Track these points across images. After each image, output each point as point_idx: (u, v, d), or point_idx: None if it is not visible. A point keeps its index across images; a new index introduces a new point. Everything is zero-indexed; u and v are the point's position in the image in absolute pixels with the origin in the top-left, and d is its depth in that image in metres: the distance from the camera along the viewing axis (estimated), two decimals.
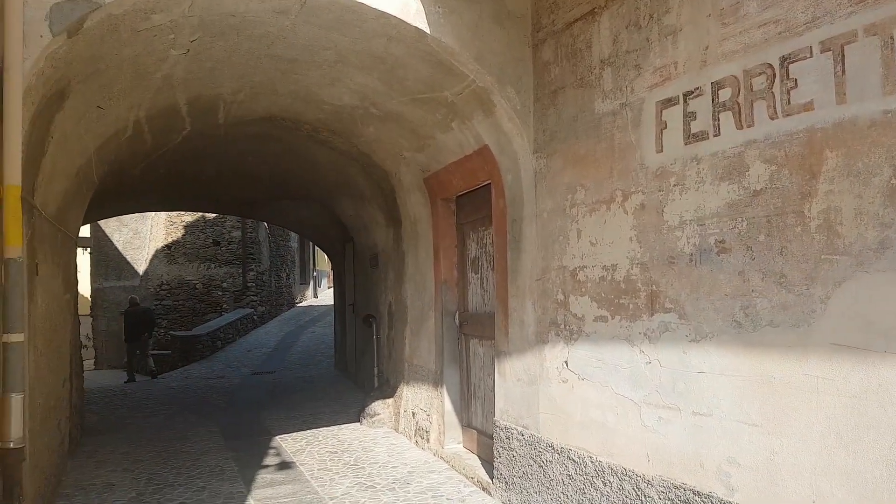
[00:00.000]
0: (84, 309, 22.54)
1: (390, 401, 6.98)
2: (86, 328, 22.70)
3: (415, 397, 6.38)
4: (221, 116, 5.85)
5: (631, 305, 3.40)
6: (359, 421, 7.19)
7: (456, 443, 5.79)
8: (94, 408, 8.58)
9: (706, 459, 2.92)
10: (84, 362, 23.79)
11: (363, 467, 5.51)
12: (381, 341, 7.79)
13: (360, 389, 9.23)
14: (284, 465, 5.63)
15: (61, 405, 5.05)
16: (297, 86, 5.10)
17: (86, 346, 23.70)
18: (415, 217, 6.45)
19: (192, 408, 8.73)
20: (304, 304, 25.43)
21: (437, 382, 5.90)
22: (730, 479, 2.80)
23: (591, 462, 3.63)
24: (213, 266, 19.74)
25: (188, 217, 19.73)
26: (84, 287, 23.49)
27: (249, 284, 20.01)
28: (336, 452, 6.00)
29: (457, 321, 5.82)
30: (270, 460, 5.81)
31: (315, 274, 28.14)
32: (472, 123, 4.65)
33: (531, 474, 4.17)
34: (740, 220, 2.79)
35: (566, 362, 3.88)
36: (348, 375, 10.78)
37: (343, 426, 7.08)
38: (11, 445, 2.66)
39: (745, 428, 2.75)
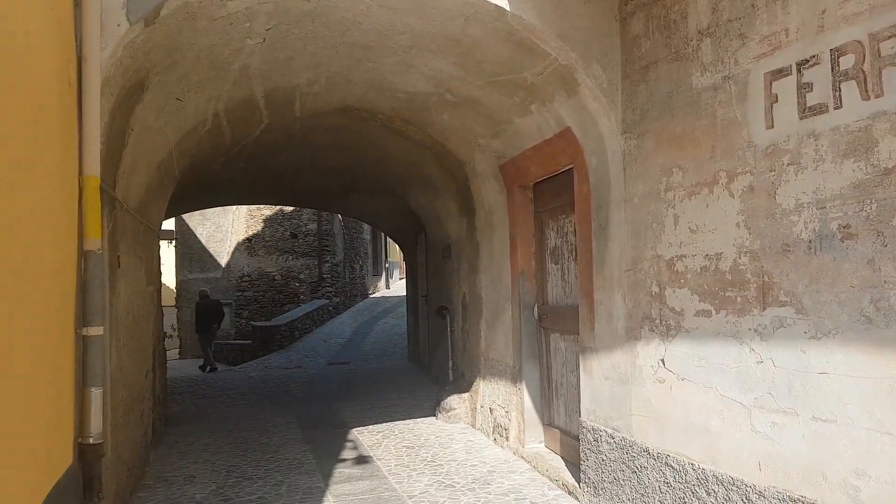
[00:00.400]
0: (169, 300, 23.58)
1: (466, 395, 6.81)
2: (171, 319, 23.76)
3: (492, 393, 6.19)
4: (297, 109, 5.81)
5: (739, 299, 3.07)
6: (434, 415, 7.07)
7: (537, 442, 5.56)
8: (177, 398, 8.86)
9: (830, 470, 2.59)
10: (169, 352, 24.90)
11: (441, 465, 5.36)
12: (455, 334, 7.64)
13: (434, 382, 9.13)
14: (361, 460, 5.57)
15: (144, 396, 5.15)
16: (371, 74, 4.97)
17: (171, 336, 24.83)
18: (489, 206, 6.24)
19: (270, 398, 8.86)
20: (376, 295, 25.74)
21: (515, 378, 5.69)
22: (858, 494, 2.46)
23: (693, 469, 3.33)
24: (290, 258, 20.22)
25: (267, 210, 20.26)
26: (169, 279, 24.59)
27: (325, 276, 20.38)
28: (413, 448, 5.89)
29: (535, 314, 5.57)
30: (347, 454, 5.76)
31: (387, 265, 28.43)
32: (552, 105, 4.38)
33: (623, 480, 3.90)
34: (868, 201, 2.44)
35: (662, 360, 3.58)
36: (421, 367, 10.71)
37: (418, 420, 6.98)
38: (91, 441, 2.64)
39: (877, 437, 2.41)
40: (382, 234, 27.47)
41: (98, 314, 2.76)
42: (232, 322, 20.48)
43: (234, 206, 20.51)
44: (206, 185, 9.03)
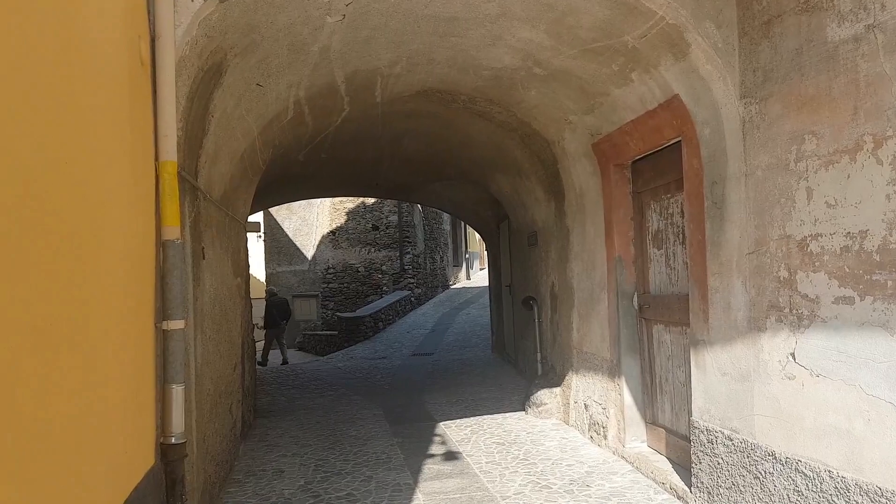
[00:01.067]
0: (259, 292, 24.43)
1: (557, 390, 6.46)
2: (260, 310, 24.64)
3: (586, 388, 5.81)
4: (378, 93, 5.62)
5: (890, 283, 2.60)
6: (523, 410, 6.76)
7: (639, 441, 5.15)
8: (266, 388, 8.98)
9: None
10: (258, 343, 25.56)
11: (535, 463, 5.06)
12: (543, 326, 7.28)
13: (521, 375, 8.82)
14: (451, 456, 5.35)
15: (232, 389, 5.13)
16: (453, 51, 4.69)
17: (261, 327, 25.76)
18: (580, 188, 5.84)
19: (357, 389, 8.83)
20: (457, 285, 25.61)
21: (613, 373, 5.29)
22: None
23: (831, 477, 2.88)
24: (372, 250, 20.39)
25: (349, 203, 20.51)
26: (259, 272, 25.44)
27: (406, 267, 20.42)
28: (503, 444, 5.61)
29: (635, 304, 5.15)
30: (436, 449, 5.56)
31: (467, 256, 28.26)
32: (657, 72, 3.95)
33: (743, 486, 3.47)
34: None
35: (792, 354, 3.13)
36: (506, 359, 10.41)
37: (507, 414, 6.69)
38: (173, 440, 2.52)
39: None
40: (463, 224, 27.32)
41: (179, 307, 2.63)
42: (318, 313, 20.91)
43: (319, 200, 20.89)
44: (289, 178, 9.07)
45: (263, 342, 14.21)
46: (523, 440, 5.73)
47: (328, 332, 17.52)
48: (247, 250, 6.52)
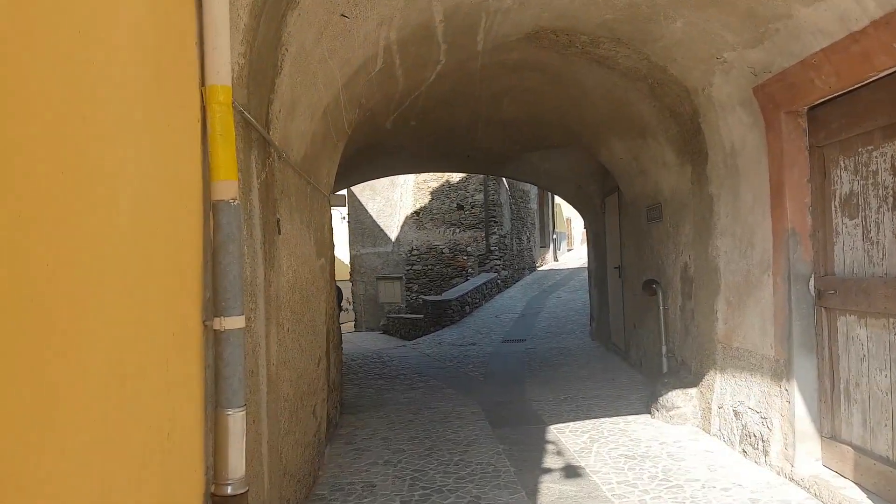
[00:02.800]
0: (344, 275, 24.23)
1: (693, 391, 5.40)
2: (346, 293, 24.44)
3: (736, 391, 4.73)
4: (481, 38, 4.71)
5: None
6: (649, 412, 5.74)
7: (812, 460, 4.06)
8: (352, 378, 8.34)
9: None
10: (343, 325, 25.61)
11: (680, 486, 4.07)
12: (670, 314, 6.20)
13: (635, 369, 7.76)
14: (571, 472, 4.43)
15: (316, 388, 4.42)
16: None
17: (346, 309, 25.60)
18: (732, 146, 4.72)
19: (448, 380, 8.05)
20: (544, 267, 24.49)
21: (778, 375, 4.20)
22: None
23: None
24: (457, 230, 19.62)
25: (434, 183, 19.79)
26: (343, 254, 25.26)
27: (492, 248, 19.53)
28: (633, 458, 4.64)
29: (812, 290, 4.03)
30: (551, 461, 4.66)
31: (554, 236, 27.02)
32: None
33: None
34: None
35: None
36: (614, 350, 9.35)
37: (629, 418, 5.69)
38: (229, 490, 1.74)
39: None
40: (550, 203, 26.07)
41: (236, 298, 1.84)
42: (403, 296, 20.40)
43: (402, 179, 20.28)
44: (375, 150, 8.33)
45: None
46: (657, 453, 4.73)
47: (413, 316, 16.92)
48: (331, 227, 5.80)
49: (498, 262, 19.51)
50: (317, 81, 3.59)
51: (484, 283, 17.57)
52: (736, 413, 4.73)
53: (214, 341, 1.84)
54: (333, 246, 6.08)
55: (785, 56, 3.78)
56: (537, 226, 24.26)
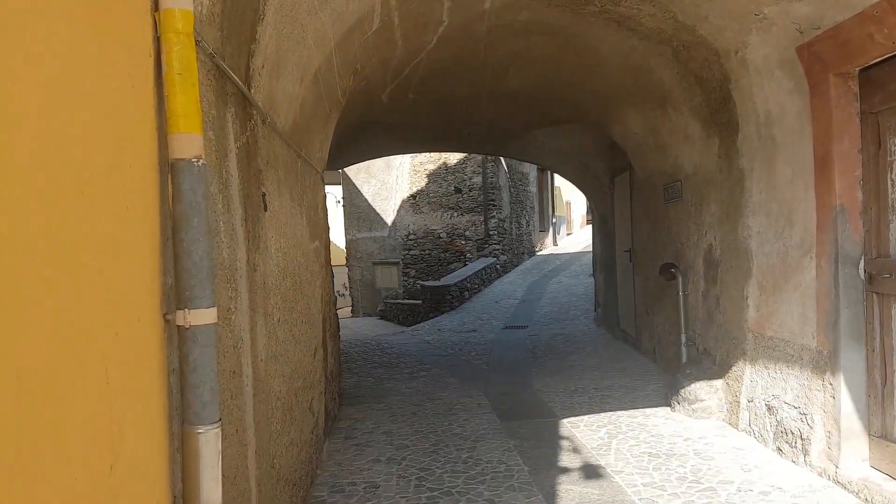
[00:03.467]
0: (340, 260, 23.79)
1: (718, 383, 5.01)
2: (342, 278, 24.02)
3: (770, 384, 4.34)
4: None
5: None
6: (668, 405, 5.36)
7: (859, 460, 3.68)
8: (351, 366, 7.95)
9: None
10: (340, 310, 25.32)
11: (713, 488, 3.69)
12: (690, 300, 5.80)
13: (648, 357, 7.38)
14: (591, 472, 4.05)
15: (313, 381, 4.01)
16: None
17: (343, 294, 25.20)
18: (768, 114, 4.28)
19: (451, 369, 7.66)
20: (543, 252, 24.10)
21: (821, 366, 3.81)
22: None
23: None
24: (455, 214, 19.20)
25: (430, 165, 19.33)
26: (338, 238, 24.81)
27: (491, 232, 19.12)
28: (657, 456, 4.26)
29: (862, 273, 3.63)
30: (568, 460, 4.28)
31: (554, 220, 26.60)
32: None
33: None
34: None
35: None
36: (619, 336, 8.97)
37: (647, 411, 5.31)
38: None
39: None
40: (549, 185, 25.62)
41: (203, 283, 1.41)
42: (400, 281, 20.01)
43: (398, 162, 19.80)
44: (371, 127, 7.87)
45: None
46: (683, 450, 4.35)
47: (411, 302, 16.54)
48: (325, 207, 5.36)
49: (497, 247, 19.10)
50: (306, 37, 3.14)
51: (483, 268, 17.18)
52: (769, 408, 4.34)
53: (180, 340, 1.42)
54: (328, 228, 5.64)
55: (839, 8, 3.34)
56: (536, 209, 23.82)
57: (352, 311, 22.32)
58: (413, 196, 19.62)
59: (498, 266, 18.73)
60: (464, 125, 8.49)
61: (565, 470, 4.10)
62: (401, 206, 19.91)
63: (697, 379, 5.14)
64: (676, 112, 5.54)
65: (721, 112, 4.90)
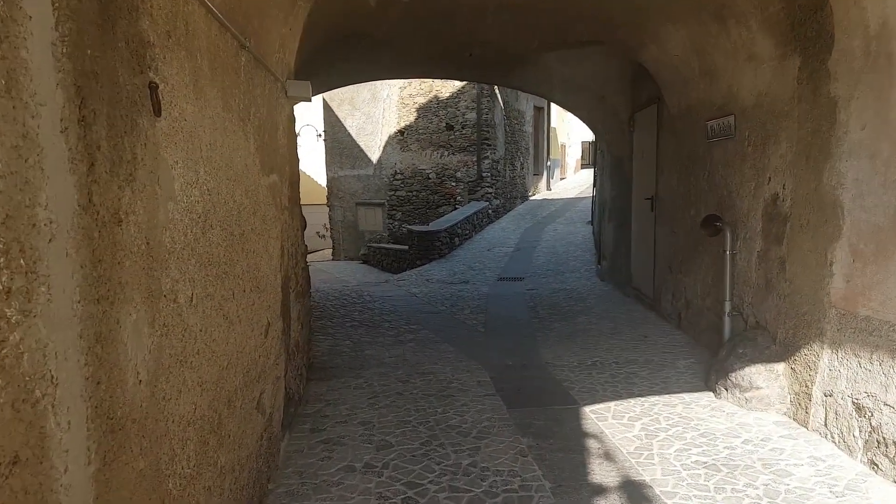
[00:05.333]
0: (320, 199, 22.50)
1: (780, 367, 4.03)
2: (323, 218, 22.78)
3: (861, 378, 3.35)
4: None
5: None
6: (711, 390, 4.40)
7: None
8: (326, 326, 6.89)
9: None
10: (321, 252, 24.40)
11: None
12: (740, 261, 4.75)
13: (670, 324, 6.41)
14: (634, 494, 3.07)
15: (265, 368, 2.94)
16: None
17: (323, 236, 24.03)
18: (884, 23, 3.14)
19: (442, 331, 6.64)
20: (537, 197, 22.96)
21: None
22: None
23: None
24: (446, 154, 17.92)
25: (420, 98, 17.91)
26: (320, 176, 23.44)
27: (484, 174, 17.91)
28: (716, 468, 3.29)
29: None
30: (601, 472, 3.29)
31: (549, 163, 25.33)
32: None
33: None
34: None
35: None
36: (630, 294, 8.00)
37: (685, 397, 4.34)
38: None
39: None
40: (546, 125, 24.26)
41: None
42: (385, 224, 18.88)
43: (385, 93, 18.33)
44: (355, 42, 6.57)
45: None
46: (745, 459, 3.39)
47: (397, 247, 15.46)
48: (291, 130, 4.17)
49: (490, 190, 17.93)
50: None
51: (475, 213, 16.07)
52: (859, 408, 3.36)
53: None
54: (297, 159, 4.46)
55: None
56: (531, 151, 22.54)
57: (332, 255, 21.22)
58: (401, 132, 18.26)
59: (490, 211, 17.62)
60: (465, 45, 7.20)
61: (600, 490, 3.11)
62: (387, 143, 18.58)
63: (752, 361, 4.14)
64: (741, 26, 4.35)
65: (807, 24, 3.74)
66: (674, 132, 6.31)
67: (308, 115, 24.17)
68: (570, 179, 28.79)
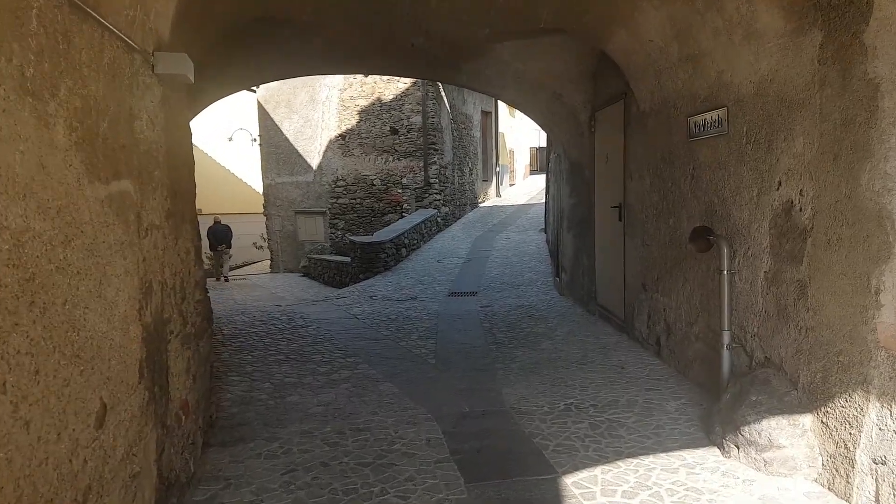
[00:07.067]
0: (257, 207, 21.10)
1: (806, 421, 3.21)
2: (260, 228, 21.39)
3: None
4: None
5: None
6: (715, 444, 3.56)
7: None
8: (245, 358, 5.77)
9: None
10: (258, 263, 22.99)
11: None
12: (740, 282, 3.95)
13: (645, 348, 5.61)
14: None
15: (99, 478, 1.88)
16: None
17: (261, 247, 22.60)
18: None
19: (385, 364, 5.65)
20: (486, 203, 22.23)
21: None
22: None
23: None
24: (390, 159, 16.94)
25: (362, 101, 16.90)
26: (256, 183, 22.05)
27: (431, 180, 17.02)
28: None
29: None
30: None
31: (497, 169, 24.63)
32: None
33: None
34: None
35: None
36: (595, 312, 7.21)
37: (687, 456, 3.47)
38: None
39: None
40: (494, 130, 23.56)
41: None
42: (326, 233, 17.73)
43: (324, 96, 17.23)
44: (278, 26, 5.54)
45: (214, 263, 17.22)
46: None
47: (339, 259, 14.37)
48: (173, 123, 3.11)
49: (438, 197, 17.05)
50: None
51: (423, 222, 15.13)
52: None
53: None
54: (186, 158, 3.40)
55: None
56: (480, 157, 21.77)
57: (271, 267, 19.89)
58: (342, 136, 17.19)
59: (439, 219, 16.72)
60: (407, 31, 6.26)
61: None
62: (328, 148, 17.46)
63: (770, 412, 3.32)
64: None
65: None
66: (644, 131, 5.52)
67: (241, 119, 22.78)
68: (519, 185, 28.22)
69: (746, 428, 3.35)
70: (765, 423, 3.29)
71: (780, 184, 3.54)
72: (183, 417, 3.18)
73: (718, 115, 4.18)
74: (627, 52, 5.24)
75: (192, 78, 2.91)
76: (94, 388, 1.94)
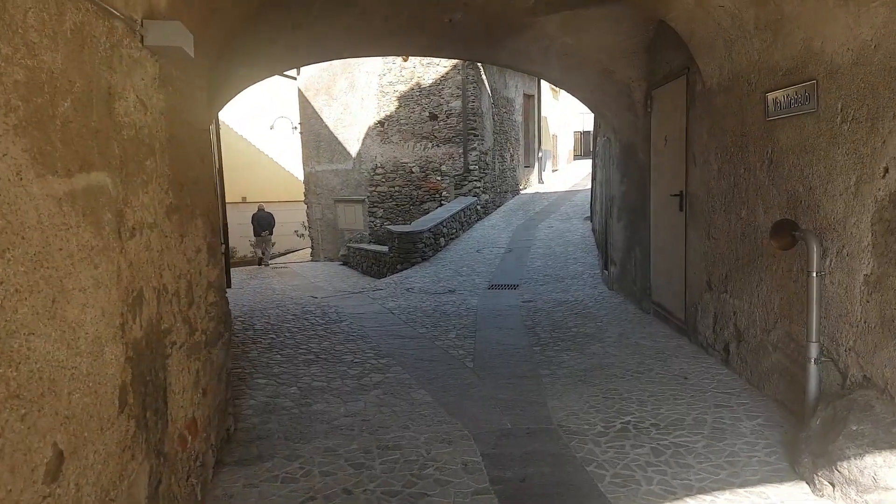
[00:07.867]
0: (298, 195, 20.96)
1: None
2: (301, 216, 21.25)
3: None
4: None
5: None
6: (804, 479, 3.02)
7: None
8: (273, 358, 5.43)
9: None
10: (301, 251, 23.05)
11: None
12: (831, 286, 3.37)
13: (710, 353, 5.05)
14: None
15: None
16: None
17: (302, 235, 22.51)
18: None
19: (420, 368, 5.24)
20: (528, 190, 21.57)
21: None
22: None
23: None
24: (429, 145, 16.48)
25: (401, 86, 16.47)
26: (297, 170, 21.90)
27: (471, 167, 16.49)
28: None
29: None
30: None
31: (540, 154, 23.90)
32: None
33: None
34: None
35: None
36: (649, 310, 6.66)
37: (768, 492, 2.95)
38: None
39: None
40: (536, 114, 22.83)
41: None
42: (365, 221, 17.43)
43: (363, 82, 16.87)
44: (305, 5, 5.13)
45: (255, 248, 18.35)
46: None
47: (377, 248, 14.03)
48: (174, 105, 2.72)
49: (478, 184, 16.52)
50: None
51: (462, 210, 14.65)
52: None
53: None
54: (197, 146, 3.01)
55: None
56: (521, 142, 21.11)
57: (311, 255, 19.76)
58: (381, 122, 16.81)
59: (479, 207, 16.21)
60: (446, 7, 5.77)
61: None
62: (366, 135, 17.11)
63: (875, 445, 2.76)
64: None
65: None
66: (711, 110, 4.92)
67: (283, 107, 22.65)
68: (562, 171, 27.41)
69: (845, 463, 2.80)
70: (868, 458, 2.74)
71: (886, 171, 2.95)
72: (189, 438, 2.82)
73: (805, 90, 3.58)
74: (692, 20, 4.64)
75: (190, 51, 2.50)
76: (44, 434, 1.55)
